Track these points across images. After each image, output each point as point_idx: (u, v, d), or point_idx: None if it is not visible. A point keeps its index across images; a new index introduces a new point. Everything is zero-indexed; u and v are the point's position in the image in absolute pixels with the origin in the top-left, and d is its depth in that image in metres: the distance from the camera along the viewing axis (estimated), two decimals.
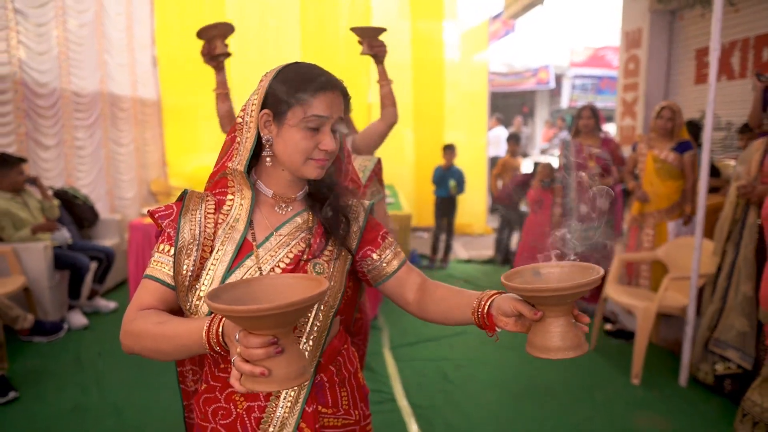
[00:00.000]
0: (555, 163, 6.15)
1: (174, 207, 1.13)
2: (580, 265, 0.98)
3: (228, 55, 2.20)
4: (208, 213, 1.12)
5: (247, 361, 0.82)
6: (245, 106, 1.12)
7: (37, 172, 4.79)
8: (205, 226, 1.10)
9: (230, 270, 1.08)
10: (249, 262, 1.09)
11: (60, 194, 4.80)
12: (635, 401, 3.16)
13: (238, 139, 1.12)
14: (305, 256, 1.12)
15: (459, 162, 7.22)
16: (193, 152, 7.82)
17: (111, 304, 4.53)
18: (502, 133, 10.13)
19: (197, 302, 1.06)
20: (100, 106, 6.06)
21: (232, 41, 8.12)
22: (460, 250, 7.13)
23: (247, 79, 7.48)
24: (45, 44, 5.11)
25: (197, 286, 1.07)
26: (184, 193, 1.15)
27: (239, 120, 1.12)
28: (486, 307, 1.01)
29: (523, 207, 6.22)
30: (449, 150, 6.23)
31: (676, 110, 3.93)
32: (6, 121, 4.59)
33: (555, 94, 15.11)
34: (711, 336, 3.20)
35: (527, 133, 12.23)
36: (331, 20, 7.68)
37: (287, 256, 1.11)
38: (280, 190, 1.15)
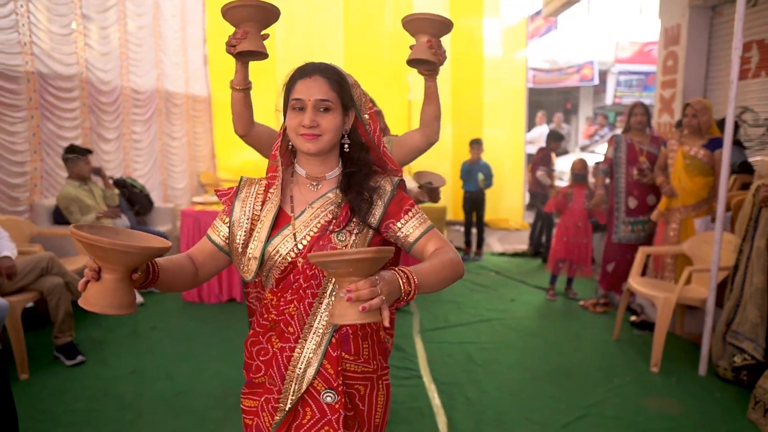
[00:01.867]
0: (591, 159, 6.22)
1: (233, 189, 1.41)
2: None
3: (265, 55, 1.71)
4: (258, 194, 1.37)
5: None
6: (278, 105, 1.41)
7: (99, 163, 5.22)
8: (254, 205, 1.35)
9: (270, 238, 1.31)
10: (286, 231, 1.31)
11: (119, 183, 5.22)
12: (651, 387, 3.29)
13: (281, 129, 1.39)
14: (331, 227, 1.30)
15: (497, 158, 7.37)
16: (239, 146, 8.10)
17: None
18: (545, 130, 10.17)
19: (248, 263, 1.33)
20: (156, 102, 6.49)
21: (278, 39, 8.42)
22: (495, 244, 7.28)
23: None
24: (107, 45, 5.55)
25: (248, 251, 1.33)
26: (241, 179, 1.42)
27: (281, 117, 1.39)
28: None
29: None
30: (476, 144, 6.38)
31: (699, 108, 3.97)
32: (73, 116, 5.04)
33: (599, 90, 14.93)
34: (728, 329, 3.29)
35: (567, 129, 12.18)
36: (375, 18, 7.91)
37: (316, 226, 1.31)
38: (311, 169, 1.36)
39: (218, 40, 7.82)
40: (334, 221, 1.32)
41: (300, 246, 1.30)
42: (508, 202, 8.14)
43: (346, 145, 1.36)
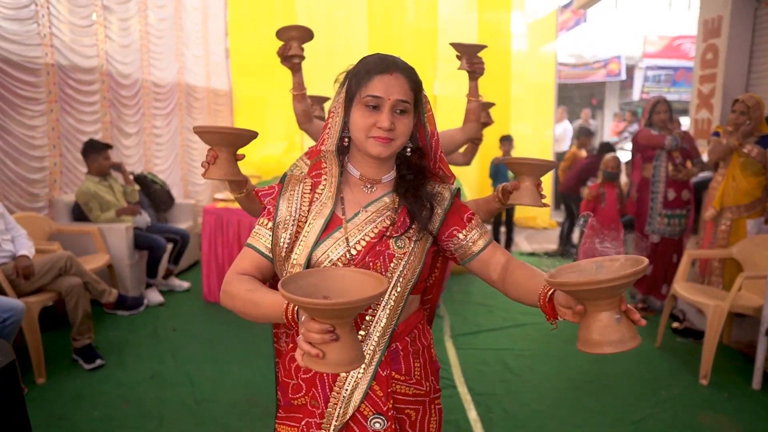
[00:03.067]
0: (622, 156, 5.98)
1: (276, 187, 1.28)
2: (634, 259, 0.90)
3: (302, 58, 2.29)
4: (304, 193, 1.24)
5: (309, 342, 0.91)
6: (336, 93, 1.25)
7: (119, 158, 5.11)
8: (301, 205, 1.23)
9: (319, 241, 1.19)
10: (338, 234, 1.19)
11: (140, 179, 5.10)
12: (701, 401, 3.07)
13: (330, 124, 1.25)
14: (389, 233, 1.20)
15: (525, 154, 7.14)
16: (261, 141, 8.07)
17: (185, 284, 4.79)
18: (567, 127, 9.90)
19: (291, 270, 1.18)
20: (177, 96, 6.37)
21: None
22: (523, 243, 7.05)
23: (316, 71, 7.65)
24: (128, 38, 5.43)
25: (292, 257, 1.19)
26: (285, 176, 1.28)
27: (332, 107, 1.24)
28: (548, 296, 1.03)
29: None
30: (506, 141, 6.17)
31: (751, 104, 3.73)
32: (93, 110, 4.92)
33: (626, 85, 14.55)
34: None
35: (594, 125, 11.87)
36: (398, 12, 7.73)
37: (372, 231, 1.20)
38: (366, 171, 1.24)
39: (240, 34, 7.70)
40: (391, 226, 1.22)
41: (353, 251, 1.18)
42: None
43: (408, 149, 1.25)
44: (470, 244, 1.25)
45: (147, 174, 5.30)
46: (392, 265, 1.18)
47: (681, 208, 4.31)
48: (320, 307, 0.86)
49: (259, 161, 8.10)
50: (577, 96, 14.81)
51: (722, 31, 5.89)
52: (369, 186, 1.25)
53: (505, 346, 3.80)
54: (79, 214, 4.34)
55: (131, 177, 4.84)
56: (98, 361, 3.29)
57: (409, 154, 1.26)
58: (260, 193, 1.30)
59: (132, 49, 5.50)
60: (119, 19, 5.28)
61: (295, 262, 1.19)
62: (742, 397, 3.11)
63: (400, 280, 1.20)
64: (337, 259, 1.17)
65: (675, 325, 4.10)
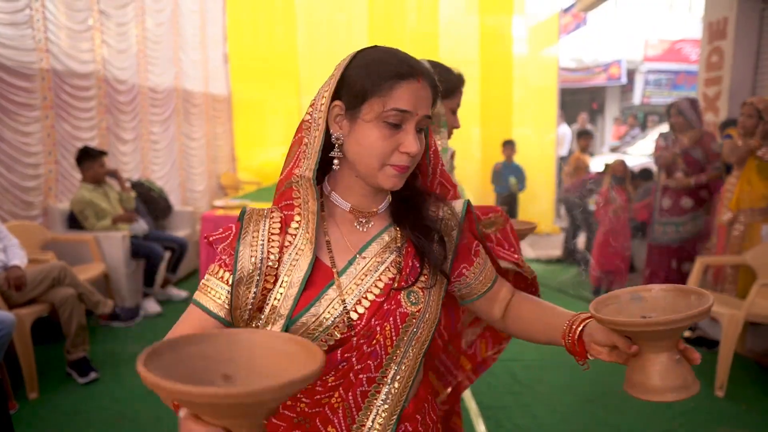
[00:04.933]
0: (628, 160, 5.89)
1: (232, 228, 0.95)
2: (684, 290, 0.84)
3: None
4: (272, 234, 0.92)
5: None
6: (315, 100, 0.93)
7: (116, 165, 5.00)
8: (269, 252, 0.91)
9: (303, 308, 0.90)
10: (331, 293, 0.91)
11: (137, 186, 5.00)
12: (719, 414, 2.96)
13: (306, 140, 0.93)
14: (396, 285, 0.94)
15: (527, 159, 7.06)
16: (261, 146, 8.01)
17: (183, 293, 4.69)
18: (565, 131, 9.83)
19: None
20: (175, 102, 6.27)
21: (300, 37, 8.28)
22: (526, 249, 6.95)
23: (316, 76, 7.59)
24: (125, 43, 5.34)
25: (257, 321, 0.92)
26: (243, 212, 0.96)
27: (307, 117, 0.93)
28: (577, 333, 0.91)
29: (592, 206, 6.01)
30: (509, 146, 6.09)
31: (761, 107, 3.65)
32: (89, 116, 4.82)
33: (627, 90, 14.51)
34: None
35: (591, 130, 11.84)
36: (399, 16, 7.67)
37: (376, 286, 0.93)
38: (358, 201, 0.96)
39: (239, 38, 7.63)
40: (399, 275, 0.94)
41: (354, 315, 0.91)
42: (539, 205, 7.82)
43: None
44: (477, 283, 1.05)
45: (144, 181, 5.20)
46: (404, 326, 0.93)
47: (679, 216, 4.24)
48: (207, 400, 0.53)
49: (258, 167, 8.02)
50: (577, 100, 14.76)
51: (728, 32, 5.81)
52: (363, 221, 0.97)
53: (512, 356, 3.68)
54: (74, 222, 4.24)
55: (128, 184, 4.74)
56: (92, 375, 3.18)
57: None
58: (211, 239, 0.96)
59: (129, 54, 5.41)
60: (116, 24, 5.20)
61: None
62: (761, 409, 3.00)
63: (413, 343, 0.95)
64: (334, 327, 0.90)
65: (687, 334, 4.00)
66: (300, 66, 7.56)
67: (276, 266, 0.91)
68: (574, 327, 0.93)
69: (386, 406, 0.94)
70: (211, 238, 0.96)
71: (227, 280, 0.91)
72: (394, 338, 0.92)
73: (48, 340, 3.56)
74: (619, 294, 0.88)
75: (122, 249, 4.15)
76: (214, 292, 0.91)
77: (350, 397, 0.93)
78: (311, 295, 0.90)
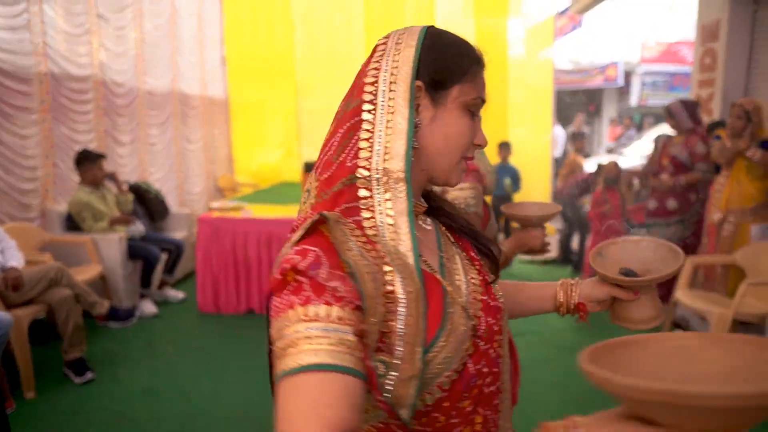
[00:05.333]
0: (621, 162, 5.94)
1: (314, 249, 0.67)
2: (661, 243, 1.08)
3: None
4: (361, 245, 0.71)
5: None
6: (376, 75, 0.77)
7: (113, 167, 5.04)
8: (374, 266, 0.70)
9: (437, 328, 0.72)
10: (453, 309, 0.75)
11: (134, 188, 5.03)
12: None
13: (369, 126, 0.75)
14: (489, 278, 0.85)
15: (522, 161, 7.10)
16: (258, 149, 8.05)
17: (180, 295, 4.72)
18: (559, 132, 9.87)
19: (401, 388, 0.67)
20: (172, 105, 6.32)
21: (299, 38, 8.35)
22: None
23: (313, 78, 7.64)
24: (123, 46, 5.38)
25: (378, 357, 0.68)
26: (321, 218, 0.69)
27: (368, 97, 0.76)
28: (575, 297, 1.05)
29: (587, 207, 6.06)
30: (504, 147, 6.14)
31: (750, 108, 3.71)
32: (87, 119, 4.86)
33: (623, 92, 14.56)
34: None
35: (589, 132, 11.88)
36: (396, 18, 7.71)
37: (472, 283, 0.81)
38: (417, 196, 0.84)
39: (237, 40, 7.68)
40: (477, 269, 0.85)
41: (473, 319, 0.78)
42: None
43: None
44: None
45: (141, 183, 5.24)
46: (503, 322, 0.85)
47: (665, 218, 4.27)
48: (709, 402, 0.47)
49: (256, 169, 8.07)
50: (575, 102, 14.81)
51: (720, 34, 5.86)
52: (424, 219, 0.87)
53: None
54: (72, 224, 4.28)
55: (125, 186, 4.78)
56: (89, 375, 3.21)
57: None
58: (301, 267, 0.64)
59: (126, 57, 5.45)
60: (114, 28, 5.24)
61: (403, 375, 0.68)
62: None
63: (503, 332, 0.86)
64: (464, 350, 0.74)
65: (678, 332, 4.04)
66: (297, 68, 7.61)
67: (382, 285, 0.69)
68: (569, 292, 1.05)
69: (507, 413, 0.85)
70: (300, 267, 0.64)
71: (344, 320, 0.62)
72: (500, 335, 0.82)
73: (45, 342, 3.60)
74: (604, 246, 1.11)
75: (119, 250, 4.19)
76: (343, 345, 0.61)
77: (489, 414, 0.79)
78: (436, 310, 0.73)
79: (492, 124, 7.84)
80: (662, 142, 4.39)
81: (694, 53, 6.39)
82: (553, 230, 7.83)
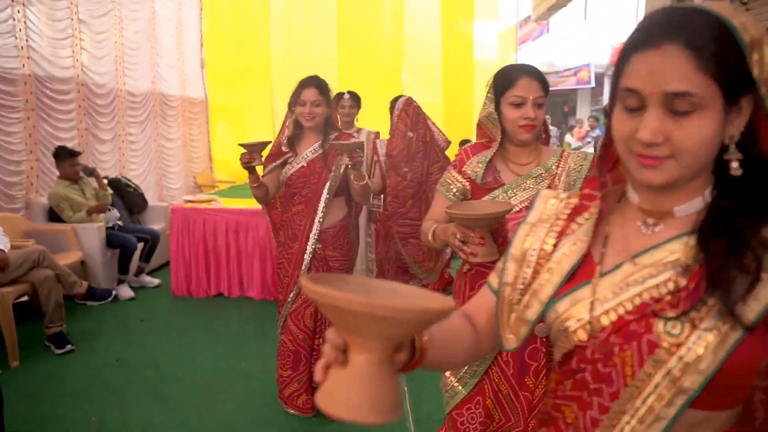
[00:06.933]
0: None
1: (525, 210, 0.93)
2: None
3: (261, 164, 2.65)
4: (558, 218, 0.88)
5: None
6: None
7: (94, 164, 5.39)
8: (547, 235, 0.87)
9: (557, 296, 0.82)
10: (584, 292, 0.80)
11: (114, 182, 5.38)
12: None
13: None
14: (657, 307, 0.74)
15: None
16: (237, 148, 8.38)
17: (155, 281, 5.07)
18: None
19: (513, 325, 0.88)
20: (152, 105, 6.67)
21: (275, 42, 8.67)
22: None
23: (289, 80, 7.96)
24: (104, 49, 5.73)
25: (519, 307, 0.87)
26: (538, 194, 0.93)
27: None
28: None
29: None
30: (464, 145, 6.51)
31: None
32: (69, 118, 5.21)
33: (597, 93, 15.07)
34: None
35: (555, 132, 12.29)
36: (372, 20, 8.06)
37: (632, 301, 0.75)
38: (646, 197, 0.79)
39: (216, 44, 8.03)
40: (669, 296, 0.74)
41: (597, 325, 0.77)
42: None
43: (735, 163, 0.73)
44: None
45: (121, 178, 5.58)
46: (652, 358, 0.73)
47: None
48: (326, 300, 0.58)
49: (236, 168, 8.38)
50: (549, 103, 15.24)
51: None
52: (651, 222, 0.79)
53: None
54: (54, 215, 4.62)
55: (105, 181, 5.12)
56: (68, 347, 3.57)
57: (736, 171, 0.72)
58: (508, 218, 1.29)
59: (107, 60, 5.80)
60: (95, 32, 5.59)
61: (519, 315, 0.87)
62: None
63: (665, 384, 0.72)
64: (576, 330, 0.78)
65: None
66: (273, 71, 7.98)
67: (550, 251, 0.86)
68: None
69: None
70: (508, 218, 1.08)
71: (502, 256, 0.91)
72: (636, 368, 0.74)
73: (28, 320, 3.94)
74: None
75: (98, 239, 4.54)
76: (501, 271, 0.91)
77: (584, 418, 0.79)
78: (566, 289, 0.82)
79: (457, 126, 8.25)
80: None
81: None
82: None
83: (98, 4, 5.60)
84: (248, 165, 2.53)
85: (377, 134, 4.22)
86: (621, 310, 0.76)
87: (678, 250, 0.75)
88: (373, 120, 5.48)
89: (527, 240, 0.88)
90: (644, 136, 0.70)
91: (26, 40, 4.66)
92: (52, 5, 4.98)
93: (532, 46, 13.13)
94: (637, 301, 0.75)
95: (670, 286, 0.74)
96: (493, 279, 0.92)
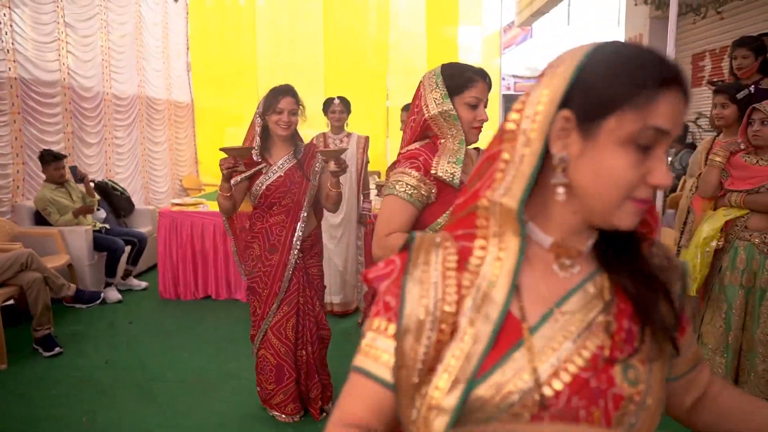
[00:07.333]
0: None
1: (396, 261, 0.75)
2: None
3: (243, 170, 2.60)
4: (447, 270, 0.72)
5: None
6: (522, 104, 0.72)
7: (81, 167, 5.40)
8: (444, 293, 0.70)
9: (486, 371, 0.67)
10: (518, 358, 0.68)
11: (100, 186, 5.39)
12: None
13: (507, 155, 0.71)
14: (606, 353, 0.69)
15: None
16: (222, 153, 8.41)
17: (143, 284, 5.10)
18: None
19: (428, 415, 0.67)
20: (138, 108, 6.68)
21: (261, 46, 8.77)
22: None
23: (274, 84, 8.01)
24: (90, 53, 5.74)
25: (430, 390, 0.68)
26: (411, 238, 0.76)
27: (511, 126, 0.72)
28: None
29: None
30: None
31: None
32: (56, 122, 5.22)
33: None
34: None
35: None
36: (357, 24, 8.14)
37: (579, 354, 0.68)
38: (564, 237, 0.73)
39: (202, 48, 8.07)
40: (608, 341, 0.70)
41: (549, 391, 0.67)
42: None
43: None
44: (682, 359, 0.81)
45: (108, 181, 5.60)
46: (618, 414, 0.68)
47: None
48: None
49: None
50: None
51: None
52: (566, 263, 0.74)
53: None
54: (41, 218, 4.63)
55: (92, 185, 5.13)
56: (57, 349, 3.59)
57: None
58: (371, 276, 0.76)
59: (93, 63, 5.81)
60: (81, 36, 5.60)
61: (435, 402, 0.67)
62: None
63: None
64: (522, 401, 0.66)
65: None
66: (259, 76, 8.02)
67: (454, 313, 0.69)
68: None
69: None
70: (370, 276, 0.75)
71: (389, 332, 0.71)
72: (603, 427, 0.68)
73: (16, 325, 3.95)
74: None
75: (86, 241, 4.55)
76: (378, 351, 0.72)
77: None
78: (494, 357, 0.68)
79: None
80: None
81: None
82: None
83: (84, 7, 5.62)
84: (232, 170, 2.45)
85: (367, 138, 4.31)
86: (572, 368, 0.67)
87: (594, 288, 0.72)
88: (360, 124, 5.56)
89: (421, 306, 0.70)
90: (667, 181, 0.66)
91: (12, 43, 4.67)
92: (38, 8, 4.99)
93: (515, 51, 13.29)
94: (586, 353, 0.68)
95: (606, 327, 0.70)
96: (378, 369, 0.71)
